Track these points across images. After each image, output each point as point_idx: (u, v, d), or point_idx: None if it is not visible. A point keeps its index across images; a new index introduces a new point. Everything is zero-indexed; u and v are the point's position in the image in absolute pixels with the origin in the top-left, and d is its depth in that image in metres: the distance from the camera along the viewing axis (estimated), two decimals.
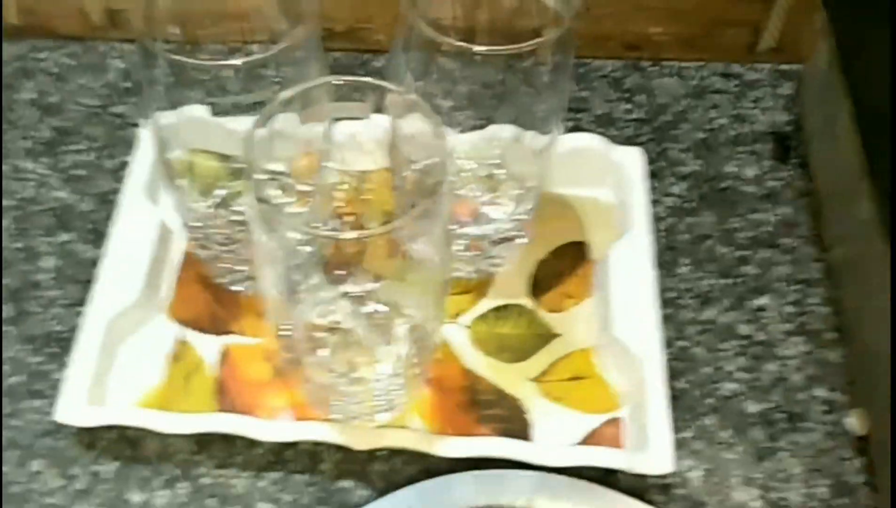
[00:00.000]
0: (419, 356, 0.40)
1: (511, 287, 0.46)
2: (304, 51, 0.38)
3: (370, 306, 0.42)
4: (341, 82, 0.36)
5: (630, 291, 0.44)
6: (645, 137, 0.53)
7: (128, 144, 0.52)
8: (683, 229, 0.49)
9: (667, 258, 0.48)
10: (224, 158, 0.45)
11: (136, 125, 0.53)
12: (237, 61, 0.37)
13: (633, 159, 0.49)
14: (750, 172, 0.52)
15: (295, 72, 0.38)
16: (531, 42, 0.38)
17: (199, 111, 0.40)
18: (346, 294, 0.42)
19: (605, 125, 0.54)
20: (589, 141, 0.49)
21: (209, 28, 0.42)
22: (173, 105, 0.40)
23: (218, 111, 0.38)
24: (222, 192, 0.46)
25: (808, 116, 0.51)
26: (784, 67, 0.56)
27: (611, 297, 0.44)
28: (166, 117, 0.41)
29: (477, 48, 0.38)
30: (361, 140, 0.45)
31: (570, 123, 0.53)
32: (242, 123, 0.39)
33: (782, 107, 0.55)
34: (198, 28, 0.42)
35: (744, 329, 0.46)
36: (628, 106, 0.54)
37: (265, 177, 0.46)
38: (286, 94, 0.35)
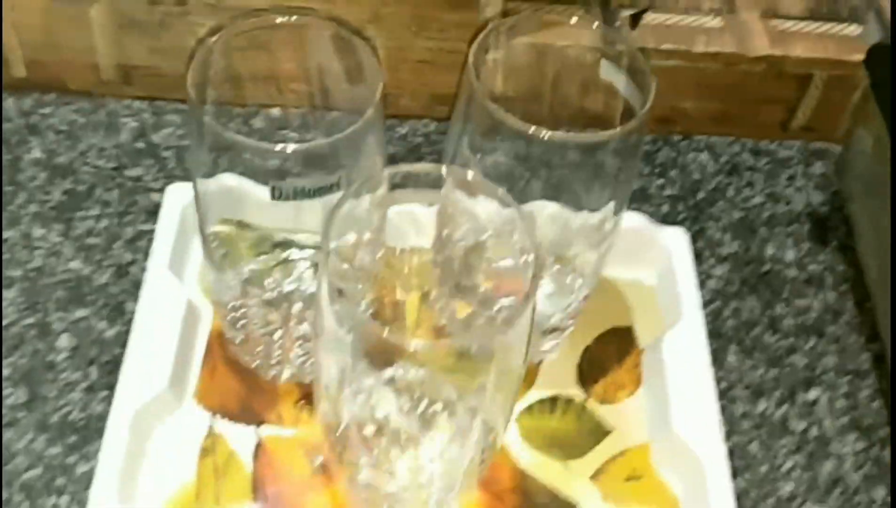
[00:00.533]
0: (477, 460, 0.38)
1: (558, 377, 0.44)
2: (367, 133, 0.36)
3: (422, 403, 0.39)
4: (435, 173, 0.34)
5: (686, 383, 0.43)
6: (682, 216, 0.52)
7: (146, 212, 0.49)
8: (729, 314, 0.48)
9: (715, 346, 0.47)
10: (254, 229, 0.43)
11: (154, 190, 0.50)
12: (297, 147, 0.35)
13: (677, 241, 0.47)
14: (790, 254, 0.51)
15: (355, 149, 0.36)
16: (601, 134, 0.36)
17: (235, 180, 0.38)
18: (395, 388, 0.40)
19: (641, 201, 0.52)
20: (632, 220, 0.48)
21: (264, 89, 0.39)
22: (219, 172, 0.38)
23: (276, 194, 0.36)
24: (255, 267, 0.43)
25: (850, 200, 0.50)
26: (815, 145, 0.56)
27: (667, 389, 0.42)
28: (209, 185, 0.38)
29: (543, 133, 0.36)
30: (415, 218, 0.43)
31: None
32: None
33: (815, 186, 0.54)
34: (252, 89, 0.39)
35: (797, 424, 0.45)
36: (662, 181, 0.53)
37: (300, 253, 0.44)
38: (364, 181, 0.33)
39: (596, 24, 0.39)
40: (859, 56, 0.50)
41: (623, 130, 0.36)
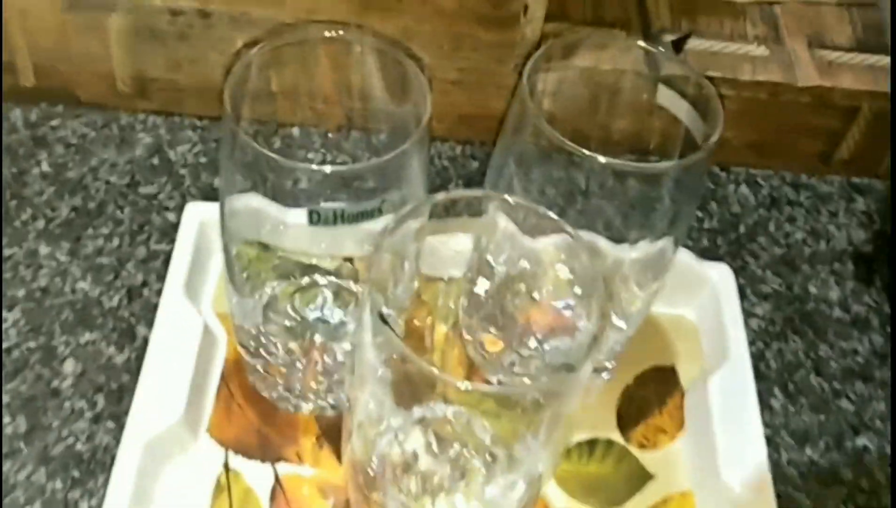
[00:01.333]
0: None
1: (596, 418, 0.42)
2: (412, 156, 0.34)
3: (457, 447, 0.37)
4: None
5: (732, 428, 0.40)
6: (722, 251, 0.49)
7: (160, 231, 0.47)
8: (772, 356, 0.46)
9: (758, 389, 0.44)
10: (277, 252, 0.40)
11: (168, 209, 0.48)
12: (341, 168, 0.32)
13: (722, 277, 0.45)
14: (833, 294, 0.48)
15: (399, 173, 0.34)
16: (665, 163, 0.34)
17: (261, 200, 0.36)
18: (432, 428, 0.37)
19: None
20: (660, 244, 0.45)
21: (303, 106, 0.37)
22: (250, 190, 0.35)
23: (314, 219, 0.33)
24: (276, 292, 0.41)
25: None
26: (856, 180, 0.54)
27: (712, 434, 0.40)
28: (237, 204, 0.36)
29: (602, 160, 0.34)
30: (453, 246, 0.41)
31: None
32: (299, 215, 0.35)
33: (858, 223, 0.52)
34: (290, 106, 0.37)
35: (846, 473, 0.42)
36: (701, 214, 0.51)
37: (323, 279, 0.42)
38: (413, 209, 0.31)
39: (655, 48, 0.36)
40: None
41: (688, 161, 0.33)
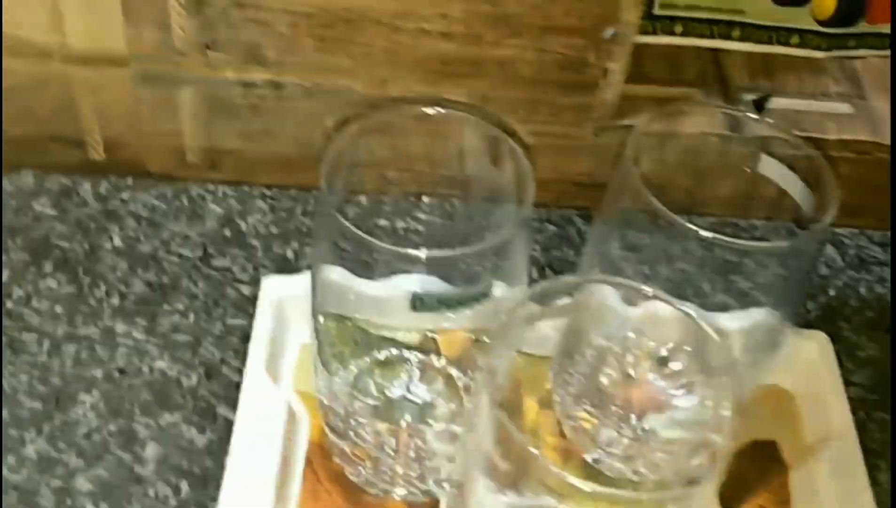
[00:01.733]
0: None
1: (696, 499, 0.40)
2: (515, 239, 0.32)
3: None
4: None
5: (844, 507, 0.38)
6: (813, 315, 0.48)
7: (235, 305, 0.46)
8: (874, 427, 0.44)
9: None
10: (359, 325, 0.39)
11: (242, 282, 0.47)
12: (440, 253, 0.31)
13: (820, 346, 0.43)
14: None
15: (501, 256, 0.33)
16: (775, 244, 0.33)
17: (343, 272, 0.35)
18: None
19: None
20: (766, 321, 0.44)
21: (395, 181, 0.36)
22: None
23: (417, 305, 0.32)
24: (358, 369, 0.40)
25: None
26: None
27: None
28: (327, 277, 0.35)
29: (714, 237, 0.32)
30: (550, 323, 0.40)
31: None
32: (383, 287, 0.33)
33: None
34: (384, 180, 0.36)
35: None
36: None
37: (408, 354, 0.41)
38: (527, 298, 0.30)
39: (759, 117, 0.35)
40: None
41: (801, 240, 0.32)
